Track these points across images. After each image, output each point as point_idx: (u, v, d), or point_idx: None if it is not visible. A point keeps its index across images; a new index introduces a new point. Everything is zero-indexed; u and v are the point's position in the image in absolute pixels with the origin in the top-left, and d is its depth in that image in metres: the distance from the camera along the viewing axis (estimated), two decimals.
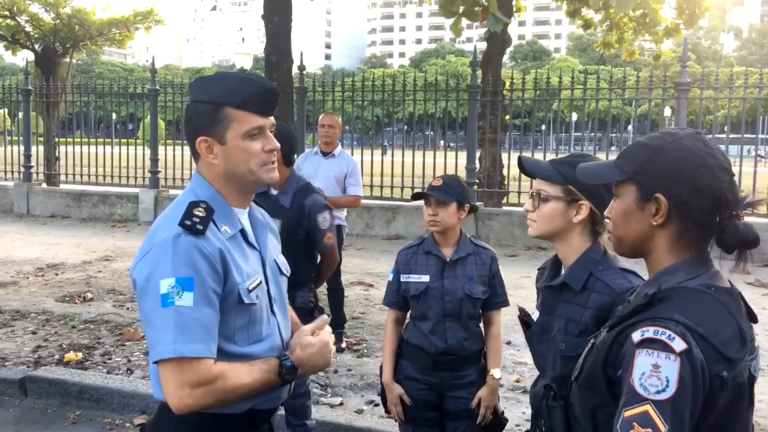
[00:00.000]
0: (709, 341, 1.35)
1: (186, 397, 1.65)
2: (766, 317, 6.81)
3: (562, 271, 2.14)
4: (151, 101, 13.57)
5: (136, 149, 14.72)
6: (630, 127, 14.70)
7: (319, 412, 4.41)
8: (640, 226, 1.52)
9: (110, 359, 5.52)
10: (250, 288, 1.79)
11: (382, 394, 3.20)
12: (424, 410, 3.05)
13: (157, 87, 13.60)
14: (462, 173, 11.54)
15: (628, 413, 1.33)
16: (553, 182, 2.09)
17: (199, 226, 1.71)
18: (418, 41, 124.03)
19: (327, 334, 1.91)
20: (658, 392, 1.31)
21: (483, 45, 13.23)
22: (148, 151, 13.70)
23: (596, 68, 54.22)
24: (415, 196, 3.13)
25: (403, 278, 3.09)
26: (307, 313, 3.59)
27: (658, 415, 1.30)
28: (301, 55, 11.25)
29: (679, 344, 1.33)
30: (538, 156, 12.37)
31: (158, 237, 1.72)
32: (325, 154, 5.94)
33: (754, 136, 19.72)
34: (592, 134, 14.58)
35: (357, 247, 10.35)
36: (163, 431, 1.83)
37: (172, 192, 13.60)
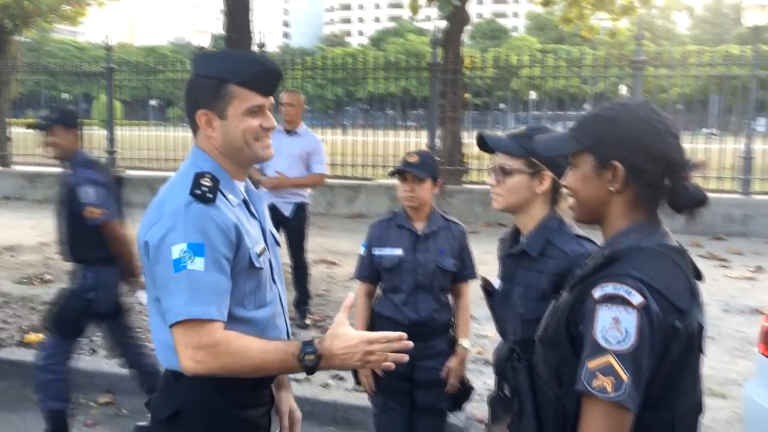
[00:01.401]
0: (663, 294, 1.45)
1: (195, 358, 1.68)
2: (717, 288, 7.09)
3: (521, 240, 2.22)
4: (106, 80, 13.30)
5: (91, 129, 14.42)
6: (586, 105, 14.87)
7: None
8: (597, 192, 1.60)
9: None
10: (259, 253, 1.85)
11: (354, 369, 3.25)
12: (395, 381, 3.10)
13: (113, 65, 13.33)
14: None
15: (592, 364, 1.42)
16: (516, 156, 2.16)
17: (209, 195, 1.76)
18: (377, 19, 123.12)
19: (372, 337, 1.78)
20: (619, 343, 1.40)
21: (443, 24, 13.25)
22: (103, 132, 13.46)
23: (554, 47, 54.65)
24: (394, 173, 3.16)
25: (376, 251, 3.15)
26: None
27: (620, 365, 1.39)
28: (261, 33, 11.15)
29: (636, 298, 1.42)
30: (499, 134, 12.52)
31: (168, 206, 1.75)
32: (288, 132, 5.92)
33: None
34: (550, 113, 14.77)
35: (319, 226, 10.35)
36: (170, 398, 1.86)
37: (129, 173, 13.40)
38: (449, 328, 3.19)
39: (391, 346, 1.74)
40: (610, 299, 1.43)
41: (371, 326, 3.21)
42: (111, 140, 13.11)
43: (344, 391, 4.59)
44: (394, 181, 11.86)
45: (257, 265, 1.84)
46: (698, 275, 1.59)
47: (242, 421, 1.89)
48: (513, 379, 1.73)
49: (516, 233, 2.27)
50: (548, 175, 2.17)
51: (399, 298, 3.10)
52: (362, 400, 4.41)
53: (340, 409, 4.40)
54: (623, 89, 24.93)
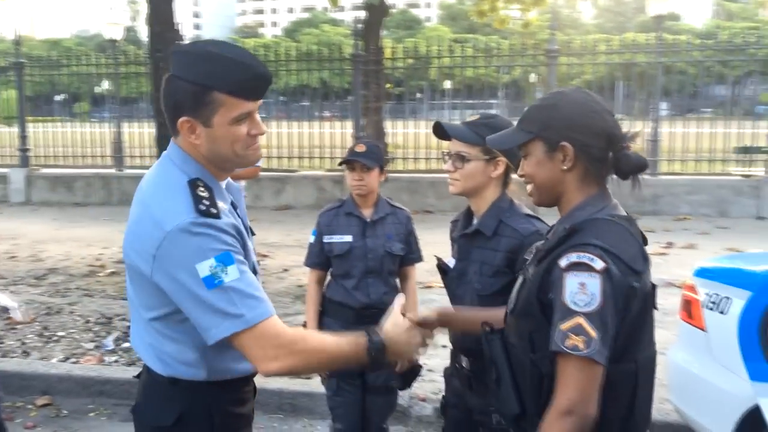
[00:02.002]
0: (622, 258, 1.62)
1: (277, 358, 1.68)
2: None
3: (474, 221, 2.37)
4: (16, 75, 12.76)
5: None
6: (500, 93, 15.30)
7: None
8: (551, 174, 1.77)
9: (2, 343, 5.33)
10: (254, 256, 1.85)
11: None
12: None
13: (23, 60, 12.80)
14: (349, 142, 11.72)
15: (564, 326, 1.58)
16: (473, 144, 2.30)
17: (213, 210, 1.70)
18: (291, 10, 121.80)
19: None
20: (587, 305, 1.57)
21: (361, 14, 13.34)
22: (7, 129, 12.94)
23: (466, 37, 55.58)
24: (343, 163, 3.26)
25: (326, 239, 3.24)
26: None
27: (589, 324, 1.57)
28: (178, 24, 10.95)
29: (599, 264, 1.59)
30: (417, 123, 12.74)
31: (169, 223, 1.66)
32: None
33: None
34: (466, 101, 15.12)
35: (248, 219, 10.31)
36: (170, 404, 1.83)
37: (44, 171, 12.94)
38: None
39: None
40: (576, 266, 1.60)
41: (322, 311, 3.31)
42: (24, 138, 12.61)
43: (288, 379, 4.66)
44: (320, 173, 11.93)
45: (257, 268, 1.85)
46: (644, 240, 1.77)
47: (240, 417, 1.93)
48: (488, 350, 1.87)
49: (469, 214, 2.43)
50: (502, 161, 2.32)
51: (350, 283, 3.20)
52: (307, 386, 4.50)
53: (286, 396, 4.48)
54: (533, 77, 25.76)
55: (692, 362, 3.42)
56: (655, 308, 1.76)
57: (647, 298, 1.70)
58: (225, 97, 1.69)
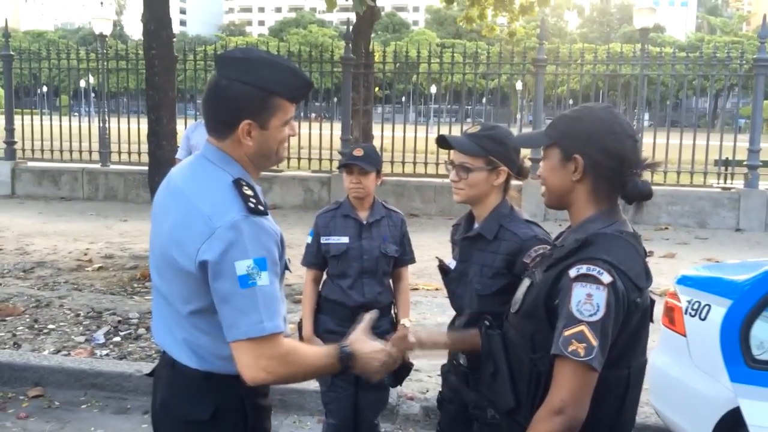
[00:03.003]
0: (627, 275, 1.73)
1: (267, 369, 1.74)
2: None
3: (475, 225, 2.49)
4: (5, 67, 12.73)
5: None
6: (484, 100, 15.46)
7: None
8: (562, 181, 1.88)
9: None
10: None
11: None
12: None
13: (12, 52, 12.75)
14: (337, 144, 11.82)
15: (567, 332, 1.69)
16: (476, 155, 2.41)
17: (261, 207, 1.78)
18: (278, 9, 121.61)
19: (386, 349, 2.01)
20: (591, 315, 1.68)
21: (351, 16, 13.43)
22: None
23: (453, 42, 55.85)
24: (342, 167, 3.36)
25: (324, 240, 3.35)
26: None
27: (591, 333, 1.67)
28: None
29: (606, 278, 1.69)
30: (405, 127, 12.85)
31: (219, 219, 1.74)
32: None
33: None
34: (449, 106, 15.24)
35: None
36: (205, 398, 1.88)
37: (31, 164, 12.90)
38: (391, 309, 3.44)
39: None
40: (584, 278, 1.70)
41: (318, 309, 3.41)
42: (10, 131, 12.56)
43: None
44: (307, 173, 12.03)
45: (288, 266, 1.93)
46: (645, 254, 1.89)
47: (266, 409, 2.01)
48: (487, 344, 1.98)
49: (470, 219, 2.55)
50: (504, 170, 2.43)
51: (346, 282, 3.31)
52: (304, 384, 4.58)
53: (275, 392, 4.52)
54: (519, 85, 25.98)
55: (672, 366, 3.57)
56: (652, 321, 1.88)
57: (646, 312, 1.83)
58: (283, 102, 1.83)
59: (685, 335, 3.48)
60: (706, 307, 3.35)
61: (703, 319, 3.34)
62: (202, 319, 1.83)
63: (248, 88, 1.79)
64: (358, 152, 3.29)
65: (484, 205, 2.47)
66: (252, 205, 1.76)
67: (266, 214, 1.80)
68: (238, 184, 1.80)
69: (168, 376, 1.94)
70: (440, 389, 2.69)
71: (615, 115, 1.87)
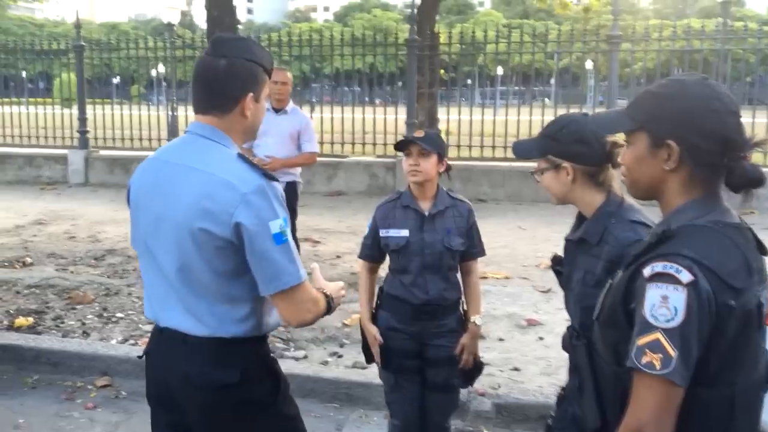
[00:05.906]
0: (716, 272, 1.45)
1: (311, 310, 1.99)
2: None
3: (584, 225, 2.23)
4: (77, 57, 12.98)
5: (54, 109, 13.91)
6: (552, 80, 14.98)
7: (285, 365, 4.46)
8: (652, 171, 1.59)
9: (63, 323, 5.42)
10: None
11: (364, 347, 3.27)
12: (405, 359, 3.13)
13: (83, 43, 13.02)
14: (402, 129, 11.62)
15: (641, 341, 1.44)
16: (537, 158, 2.24)
17: (270, 173, 1.97)
18: None
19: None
20: (668, 321, 1.42)
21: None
22: (67, 111, 13.16)
23: (520, 22, 54.74)
24: (399, 145, 3.11)
25: (383, 233, 3.12)
26: None
27: (668, 342, 1.41)
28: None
29: (686, 276, 1.43)
30: (472, 110, 12.52)
31: (244, 186, 1.89)
32: (277, 111, 5.84)
33: None
34: (516, 88, 14.83)
35: (300, 204, 10.32)
36: (231, 363, 1.99)
37: (103, 153, 13.18)
38: (459, 306, 3.20)
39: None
40: (659, 277, 1.45)
41: (379, 305, 3.23)
42: (83, 120, 12.84)
43: (344, 368, 4.63)
44: (372, 159, 11.81)
45: None
46: (763, 251, 1.59)
47: (278, 367, 2.16)
48: (572, 356, 1.76)
49: (581, 217, 2.27)
50: (566, 166, 2.19)
51: (407, 278, 3.08)
52: (363, 375, 4.46)
53: (342, 385, 4.43)
54: (589, 64, 25.15)
55: None
56: (761, 328, 1.56)
57: (750, 318, 1.51)
58: (266, 76, 2.05)
59: None
60: None
61: None
62: (227, 281, 1.95)
63: (249, 64, 1.99)
64: (419, 133, 3.05)
65: (582, 203, 2.22)
66: (265, 172, 1.94)
67: (277, 179, 1.98)
68: (242, 156, 1.97)
69: (183, 350, 2.01)
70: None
71: (713, 89, 1.55)
